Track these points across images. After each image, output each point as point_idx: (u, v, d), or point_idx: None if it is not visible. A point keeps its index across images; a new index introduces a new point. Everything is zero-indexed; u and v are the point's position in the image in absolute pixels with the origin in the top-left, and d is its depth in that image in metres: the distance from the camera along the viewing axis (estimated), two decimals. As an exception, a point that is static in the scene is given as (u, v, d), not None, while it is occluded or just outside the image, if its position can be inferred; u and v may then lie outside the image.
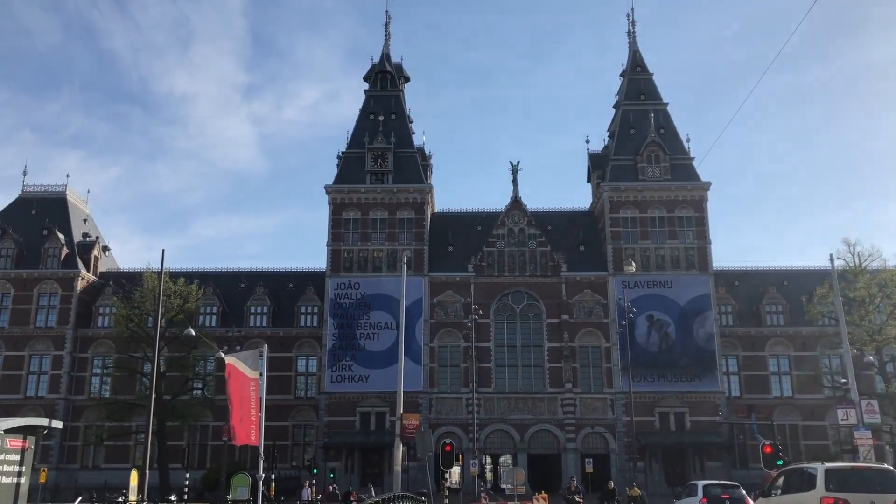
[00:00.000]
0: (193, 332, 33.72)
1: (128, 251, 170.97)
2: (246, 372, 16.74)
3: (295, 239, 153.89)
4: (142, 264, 56.55)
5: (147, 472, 21.84)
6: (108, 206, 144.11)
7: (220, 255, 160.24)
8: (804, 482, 15.57)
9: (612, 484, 27.78)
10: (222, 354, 17.03)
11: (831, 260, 24.86)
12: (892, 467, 16.32)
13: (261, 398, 16.78)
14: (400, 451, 22.99)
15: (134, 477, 19.32)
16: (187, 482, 25.32)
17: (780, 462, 24.05)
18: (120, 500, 20.04)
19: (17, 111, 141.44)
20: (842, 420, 21.83)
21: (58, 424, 19.14)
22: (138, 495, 20.23)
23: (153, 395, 23.35)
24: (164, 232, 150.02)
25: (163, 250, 23.35)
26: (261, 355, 17.18)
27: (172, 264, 59.32)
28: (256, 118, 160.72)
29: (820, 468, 15.40)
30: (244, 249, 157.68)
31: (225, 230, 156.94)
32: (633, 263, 32.11)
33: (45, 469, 39.46)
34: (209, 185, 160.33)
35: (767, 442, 24.40)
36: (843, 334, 23.93)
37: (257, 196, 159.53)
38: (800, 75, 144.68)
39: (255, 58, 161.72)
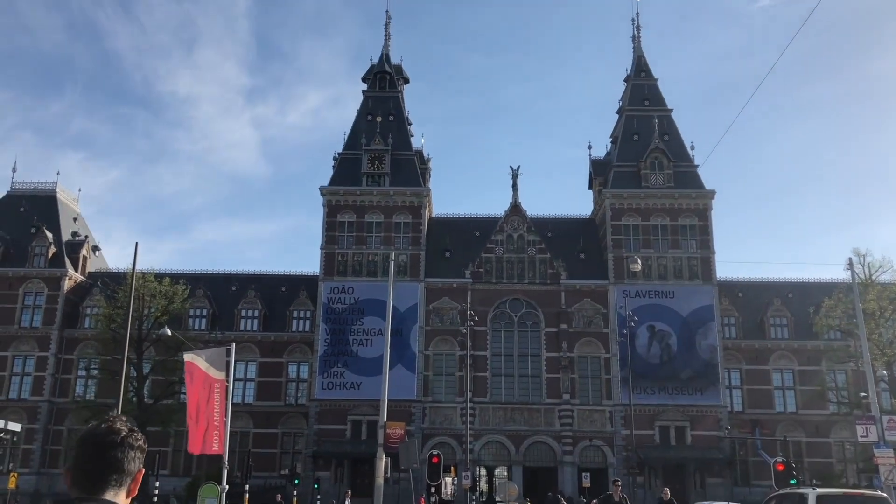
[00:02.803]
0: (169, 332, 32.19)
1: (128, 254, 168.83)
2: (210, 372, 15.21)
3: (296, 244, 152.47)
4: (138, 267, 54.61)
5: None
6: (109, 209, 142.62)
7: (220, 259, 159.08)
8: None
9: (667, 493, 22.02)
10: (185, 353, 15.50)
11: (851, 266, 23.35)
12: (885, 494, 15.20)
13: (226, 402, 15.19)
14: (382, 461, 21.45)
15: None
16: (157, 490, 23.83)
17: (793, 482, 22.45)
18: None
19: (19, 111, 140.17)
20: (861, 437, 20.34)
21: (15, 427, 17.61)
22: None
23: (121, 397, 21.86)
24: (165, 235, 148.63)
25: (136, 243, 21.95)
26: (228, 354, 15.63)
27: (169, 267, 57.87)
28: (259, 122, 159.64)
29: (811, 494, 14.42)
30: (245, 254, 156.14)
31: (226, 235, 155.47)
32: (639, 261, 30.68)
33: (16, 474, 37.79)
34: (211, 189, 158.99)
35: (779, 459, 22.74)
36: (864, 345, 22.40)
37: (259, 201, 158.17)
38: (808, 87, 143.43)
39: (258, 61, 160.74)
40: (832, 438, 53.67)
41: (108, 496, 2.22)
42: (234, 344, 15.90)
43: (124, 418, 2.54)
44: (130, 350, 47.55)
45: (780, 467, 21.85)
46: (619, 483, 19.28)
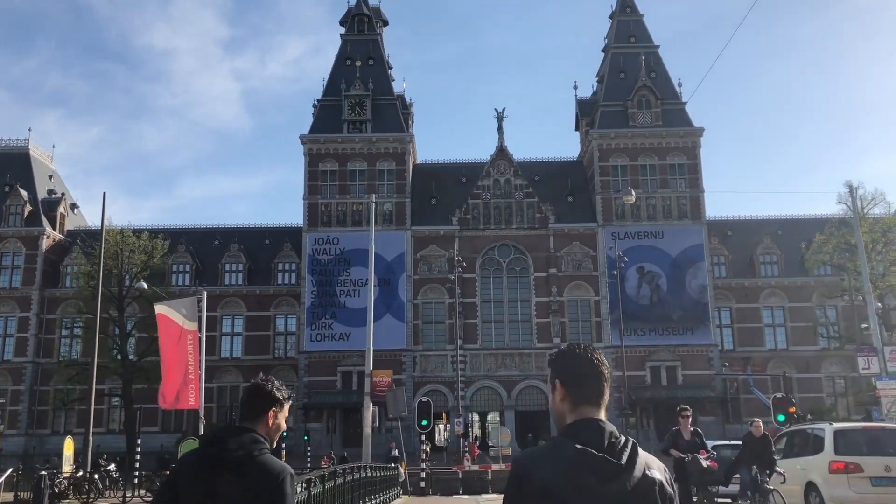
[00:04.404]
0: (146, 286, 31.27)
1: (112, 213, 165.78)
2: (182, 323, 14.31)
3: (283, 197, 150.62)
4: (119, 223, 53.32)
5: (90, 438, 19.59)
6: (91, 167, 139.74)
7: (206, 216, 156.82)
8: (809, 445, 13.53)
9: (760, 427, 13.67)
10: (156, 305, 14.60)
11: (851, 193, 22.57)
12: None
13: (200, 354, 14.34)
14: (370, 411, 20.84)
15: (69, 445, 17.19)
16: (139, 448, 23.25)
17: (781, 417, 21.75)
18: (43, 471, 17.92)
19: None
20: (863, 369, 19.77)
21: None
22: (73, 464, 18.07)
23: (95, 354, 21.02)
24: (150, 193, 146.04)
25: (104, 193, 20.91)
26: (199, 303, 14.74)
27: (153, 223, 56.67)
28: (240, 74, 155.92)
29: (828, 429, 13.37)
30: (232, 209, 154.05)
31: (212, 190, 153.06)
32: (633, 192, 29.85)
33: (-2, 435, 37.27)
34: (194, 144, 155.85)
35: (779, 395, 22.21)
36: (865, 276, 21.89)
37: (243, 155, 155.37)
38: (796, 22, 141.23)
39: (236, 10, 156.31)
40: (822, 373, 53.82)
41: (247, 425, 3.32)
42: (205, 293, 15.00)
43: (262, 375, 3.64)
44: (112, 307, 46.81)
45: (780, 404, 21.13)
46: (689, 413, 13.18)
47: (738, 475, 13.74)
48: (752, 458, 13.22)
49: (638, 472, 2.52)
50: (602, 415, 2.67)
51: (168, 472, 3.65)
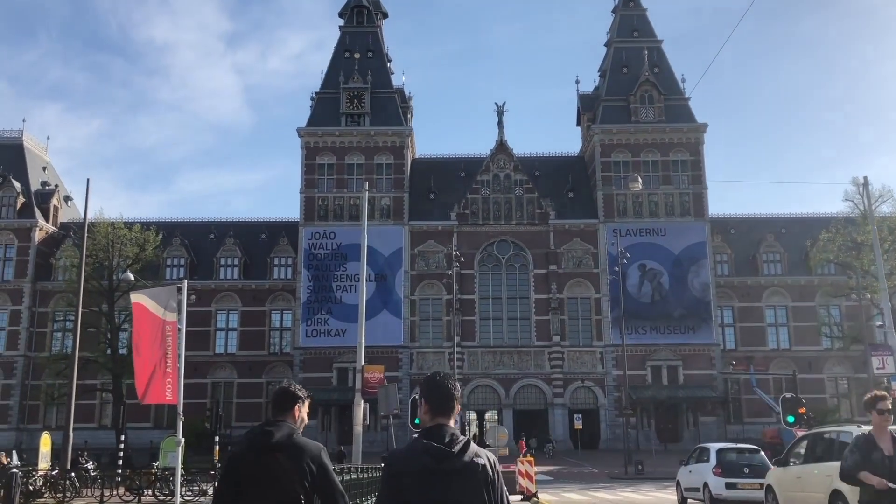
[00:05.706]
0: (132, 277, 30.45)
1: (111, 207, 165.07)
2: (158, 313, 13.43)
3: (282, 193, 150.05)
4: (112, 217, 52.25)
5: (70, 434, 18.76)
6: (91, 161, 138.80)
7: (206, 211, 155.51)
8: (834, 450, 12.42)
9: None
10: (132, 293, 13.76)
11: (865, 183, 21.70)
12: None
13: (179, 346, 13.49)
14: (360, 408, 20.03)
15: (45, 441, 16.37)
16: (123, 444, 22.45)
17: (791, 419, 20.71)
18: (14, 468, 17.13)
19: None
20: (877, 368, 18.89)
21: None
22: (49, 461, 17.24)
23: (76, 350, 20.22)
24: (149, 187, 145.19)
25: (87, 180, 20.03)
26: (179, 291, 13.88)
27: (151, 217, 55.79)
28: (241, 68, 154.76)
29: (856, 432, 12.28)
30: (231, 205, 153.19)
31: (211, 185, 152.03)
32: (639, 179, 28.89)
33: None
34: (194, 139, 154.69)
35: (789, 395, 21.31)
36: (880, 272, 21.03)
37: (243, 149, 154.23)
38: (803, 19, 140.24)
39: (238, 4, 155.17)
40: (825, 374, 53.07)
41: (280, 418, 4.19)
42: (185, 283, 14.17)
43: (285, 381, 4.51)
44: (103, 301, 45.95)
45: (802, 410, 19.95)
46: (889, 407, 7.12)
47: None
48: None
49: (467, 458, 3.47)
50: (451, 422, 3.66)
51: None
